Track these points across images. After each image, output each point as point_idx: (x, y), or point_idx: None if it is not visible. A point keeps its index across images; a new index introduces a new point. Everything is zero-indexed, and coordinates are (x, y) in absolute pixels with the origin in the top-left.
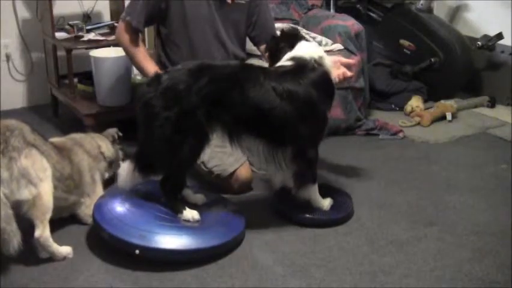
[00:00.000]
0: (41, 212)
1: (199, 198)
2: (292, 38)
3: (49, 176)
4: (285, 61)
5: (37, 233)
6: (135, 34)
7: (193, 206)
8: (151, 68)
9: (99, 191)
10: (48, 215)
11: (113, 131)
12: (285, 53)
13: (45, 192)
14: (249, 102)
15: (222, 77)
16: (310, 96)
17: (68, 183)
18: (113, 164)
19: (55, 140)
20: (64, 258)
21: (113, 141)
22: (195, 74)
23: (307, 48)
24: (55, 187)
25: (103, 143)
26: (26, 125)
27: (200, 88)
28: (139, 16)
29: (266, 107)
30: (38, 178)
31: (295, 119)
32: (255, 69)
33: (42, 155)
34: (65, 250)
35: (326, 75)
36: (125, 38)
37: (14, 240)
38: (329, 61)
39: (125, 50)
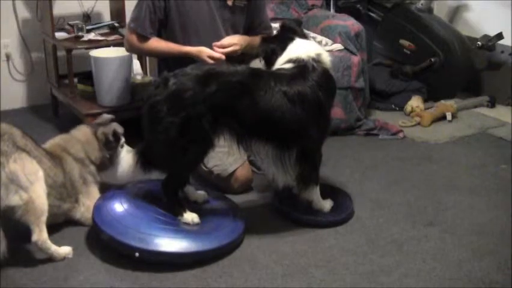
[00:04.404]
0: (35, 216)
1: (201, 195)
2: (285, 38)
3: (41, 178)
4: (283, 64)
5: (34, 237)
6: (143, 36)
7: (193, 205)
8: (174, 46)
9: (94, 193)
10: (44, 218)
11: (109, 129)
12: (278, 54)
13: (37, 195)
14: (260, 109)
15: (231, 86)
16: (317, 97)
17: (61, 191)
18: (106, 164)
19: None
20: (64, 258)
21: (107, 142)
22: (202, 81)
23: (303, 48)
24: (48, 194)
25: (88, 147)
26: (18, 129)
27: (207, 96)
28: (144, 22)
29: (278, 112)
30: (28, 182)
31: (305, 121)
32: (265, 75)
33: (34, 159)
34: (64, 251)
35: (327, 74)
36: (133, 38)
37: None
38: (327, 57)
39: (138, 50)
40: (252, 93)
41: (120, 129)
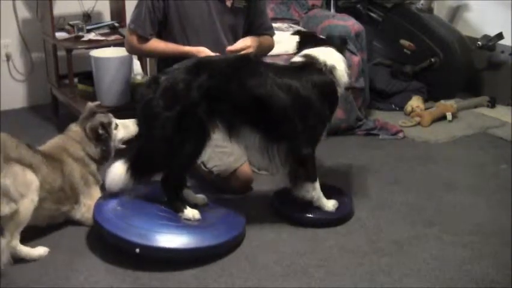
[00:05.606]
0: (16, 225)
1: (200, 198)
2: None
3: (34, 190)
4: (297, 57)
5: (3, 242)
6: (142, 37)
7: (193, 206)
8: (174, 46)
9: (95, 193)
10: (21, 228)
11: (95, 122)
12: (303, 49)
13: (24, 208)
14: (248, 90)
15: (221, 69)
16: (309, 94)
17: (59, 195)
18: (106, 156)
19: (41, 148)
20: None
21: (98, 136)
22: (193, 71)
23: (326, 52)
24: (45, 198)
25: (85, 145)
26: (11, 138)
27: (200, 84)
28: (144, 23)
29: (265, 96)
30: (19, 194)
31: (291, 113)
32: (254, 61)
33: (29, 168)
34: (39, 252)
35: (331, 84)
36: (134, 39)
37: None
38: (343, 75)
39: (139, 51)
40: (241, 74)
41: (106, 119)
